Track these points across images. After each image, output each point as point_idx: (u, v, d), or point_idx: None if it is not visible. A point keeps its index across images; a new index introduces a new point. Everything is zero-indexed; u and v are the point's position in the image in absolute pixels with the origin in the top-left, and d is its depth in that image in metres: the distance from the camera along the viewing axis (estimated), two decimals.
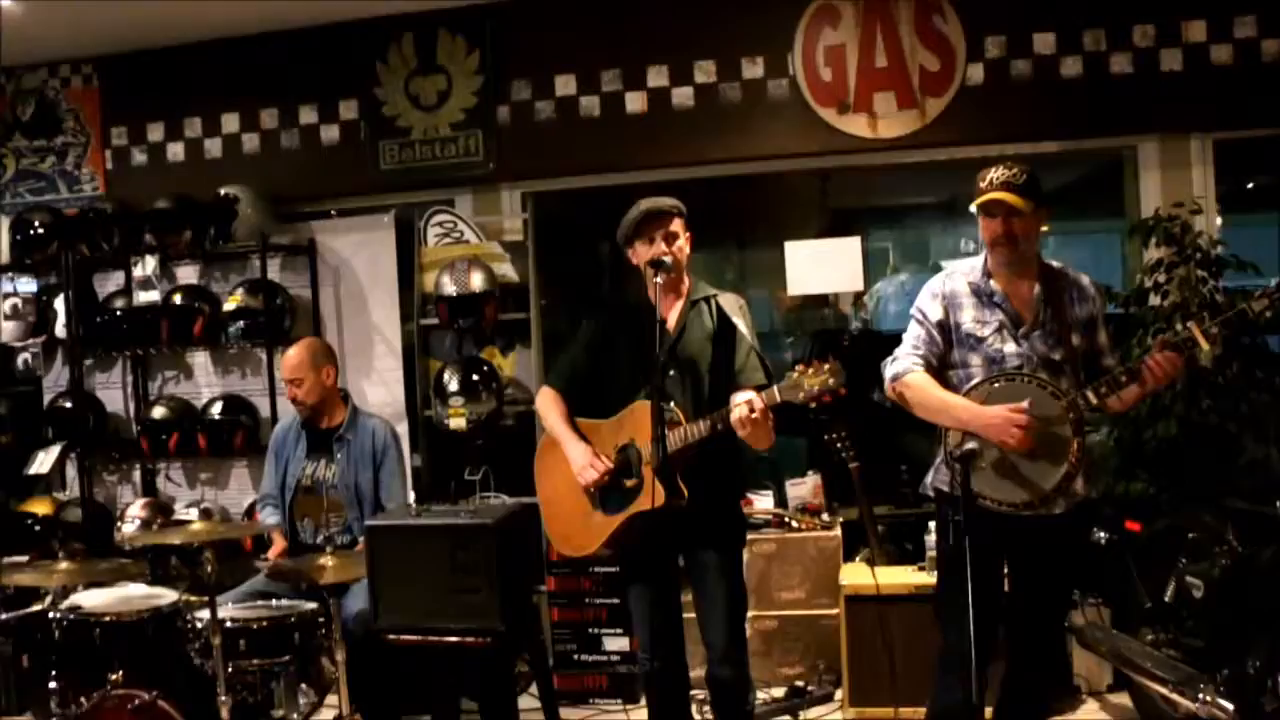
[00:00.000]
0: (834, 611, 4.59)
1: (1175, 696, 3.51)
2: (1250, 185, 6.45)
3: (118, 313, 5.52)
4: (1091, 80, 4.87)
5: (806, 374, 3.13)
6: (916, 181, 6.25)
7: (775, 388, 3.18)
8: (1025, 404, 3.05)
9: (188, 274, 5.66)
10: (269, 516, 4.41)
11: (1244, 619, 3.40)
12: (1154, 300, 4.59)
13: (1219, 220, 5.03)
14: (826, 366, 3.12)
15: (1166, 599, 3.81)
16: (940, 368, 3.28)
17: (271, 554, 4.18)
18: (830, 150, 5.18)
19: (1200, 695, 3.37)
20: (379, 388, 5.54)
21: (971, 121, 4.98)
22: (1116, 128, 5.00)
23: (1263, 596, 3.35)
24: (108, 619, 3.60)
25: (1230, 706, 3.29)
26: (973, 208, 3.20)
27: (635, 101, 5.27)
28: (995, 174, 3.15)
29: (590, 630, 4.90)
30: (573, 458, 3.48)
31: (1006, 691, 3.43)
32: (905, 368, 3.26)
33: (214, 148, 5.71)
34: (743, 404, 3.18)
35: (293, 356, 4.37)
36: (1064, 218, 6.33)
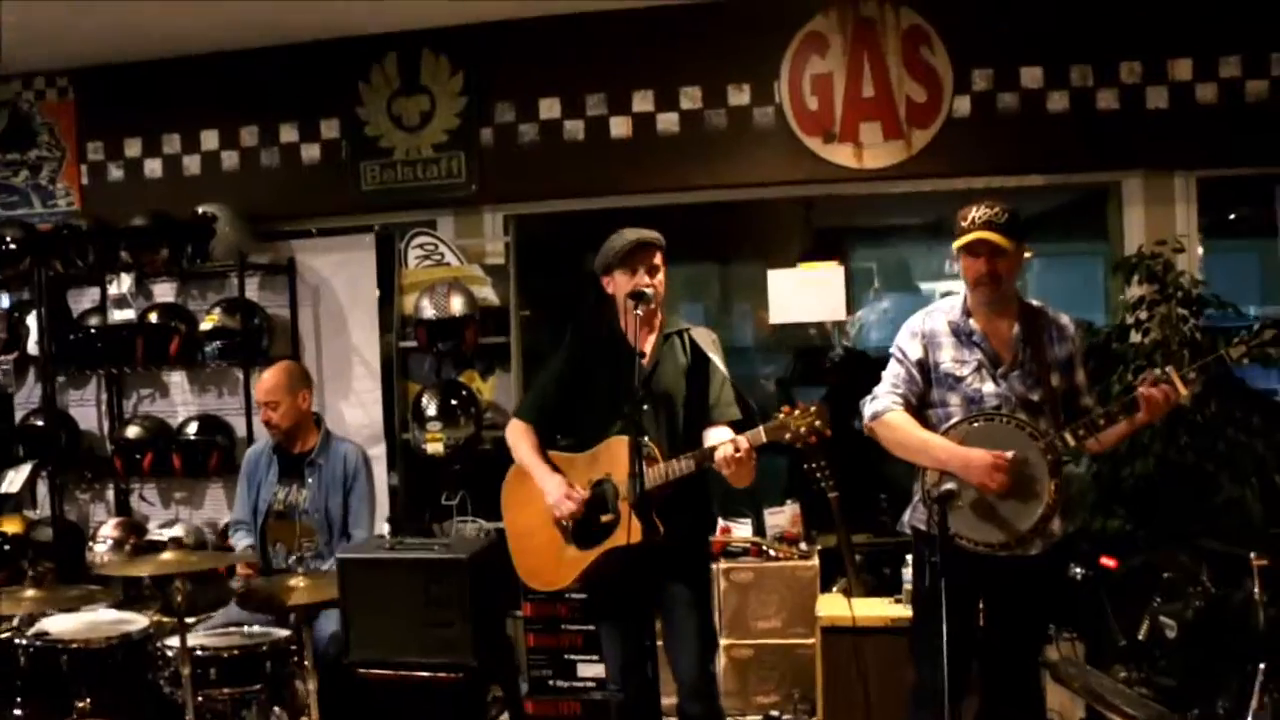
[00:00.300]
0: (810, 641, 4.57)
1: None
2: (1232, 216, 6.49)
3: (92, 330, 5.46)
4: (1078, 115, 4.89)
5: (793, 415, 3.18)
6: (902, 203, 6.26)
7: (761, 428, 3.21)
8: (1010, 454, 3.04)
9: (164, 292, 5.61)
10: (241, 540, 4.39)
11: (1215, 660, 3.42)
12: (1135, 337, 4.61)
13: (1200, 253, 5.06)
14: (813, 409, 3.17)
15: (1140, 637, 3.83)
16: (919, 407, 3.28)
17: (242, 571, 4.14)
18: (815, 179, 5.19)
19: None
20: (357, 409, 5.50)
21: (957, 153, 5.00)
22: (1101, 163, 5.03)
23: (1234, 639, 3.37)
24: (75, 646, 3.56)
25: None
26: (955, 247, 3.20)
27: (620, 126, 5.26)
28: (977, 213, 3.15)
29: (566, 656, 4.86)
30: (547, 490, 3.46)
31: None
32: (885, 406, 3.27)
33: (193, 164, 5.66)
34: (728, 443, 3.20)
35: (268, 379, 4.33)
36: (1048, 241, 6.35)
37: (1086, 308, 6.02)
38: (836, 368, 6.43)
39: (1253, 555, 3.26)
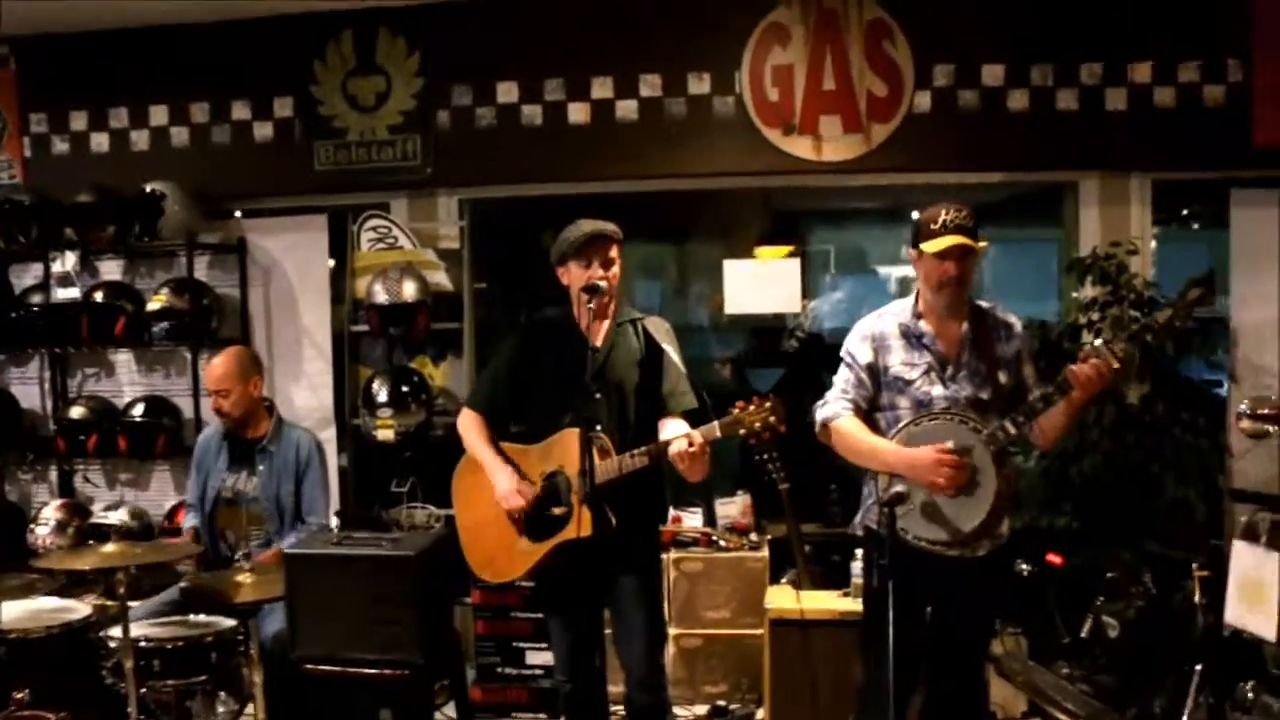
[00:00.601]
0: (759, 632, 4.59)
1: None
2: (1185, 212, 6.57)
3: (35, 308, 5.36)
4: (1037, 114, 4.92)
5: (748, 411, 3.18)
6: (860, 188, 6.28)
7: (716, 424, 3.22)
8: (949, 444, 3.07)
9: (111, 269, 5.50)
10: (189, 520, 4.33)
11: (1154, 661, 3.49)
12: (1086, 337, 4.66)
13: (1153, 254, 5.12)
14: (768, 404, 3.17)
15: (1083, 635, 3.90)
16: (869, 410, 3.30)
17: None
18: (774, 170, 5.16)
19: None
20: (307, 392, 5.43)
21: (917, 149, 5.00)
22: (1059, 162, 5.07)
23: (1172, 641, 3.43)
24: (13, 635, 3.49)
25: None
26: (929, 251, 3.17)
27: (578, 112, 5.21)
28: (947, 217, 3.15)
29: (514, 644, 4.85)
30: (497, 483, 3.46)
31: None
32: (834, 412, 3.28)
33: (141, 140, 5.54)
34: (682, 438, 3.19)
35: (219, 366, 4.25)
36: (1003, 228, 6.39)
37: (1040, 296, 6.08)
38: (793, 353, 6.44)
39: (1195, 565, 3.31)
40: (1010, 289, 6.89)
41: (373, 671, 2.90)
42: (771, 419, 3.17)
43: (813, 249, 6.99)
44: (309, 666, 2.96)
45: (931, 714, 3.45)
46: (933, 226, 3.16)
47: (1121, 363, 3.05)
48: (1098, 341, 3.09)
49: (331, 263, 5.44)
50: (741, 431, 3.20)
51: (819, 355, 6.04)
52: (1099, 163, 4.99)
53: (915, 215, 3.30)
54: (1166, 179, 5.06)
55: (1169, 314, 3.07)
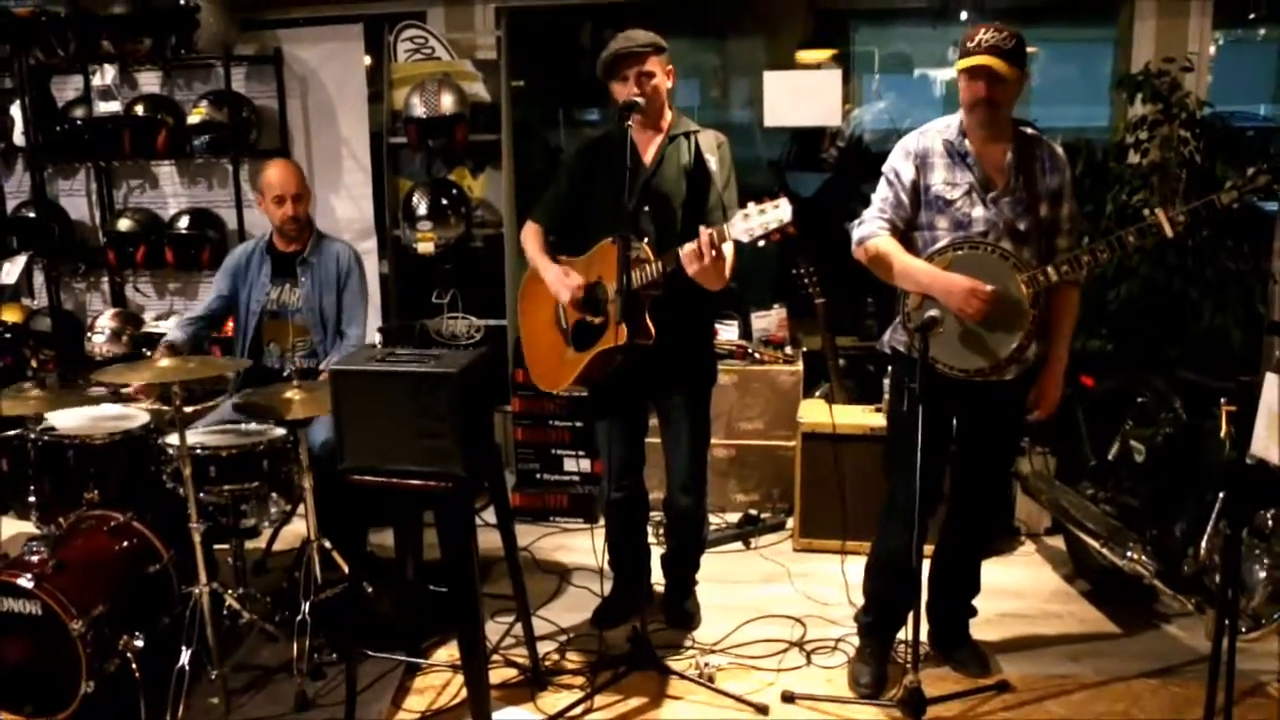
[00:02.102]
0: (791, 444, 4.73)
1: (1105, 550, 3.70)
2: (1251, 16, 6.27)
3: (78, 122, 5.38)
4: None
5: (755, 212, 3.09)
6: None
7: (726, 225, 3.15)
8: (989, 288, 3.07)
9: (149, 82, 5.48)
10: (175, 330, 4.31)
11: (1178, 486, 3.54)
12: (1133, 158, 4.55)
13: (1210, 71, 4.92)
14: (776, 204, 3.07)
15: (1110, 457, 3.96)
16: (906, 229, 3.28)
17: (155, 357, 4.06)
18: None
19: (1128, 552, 3.56)
20: (347, 203, 5.48)
21: None
22: None
23: (1198, 467, 3.47)
24: (79, 441, 3.66)
25: (1153, 565, 3.48)
26: (956, 68, 3.12)
27: None
28: (984, 35, 3.05)
29: (553, 451, 5.06)
30: (549, 281, 3.55)
31: (947, 532, 3.61)
32: (871, 231, 3.26)
33: None
34: (691, 242, 3.18)
35: (291, 171, 4.21)
36: (1057, 26, 6.14)
37: (1090, 101, 5.88)
38: (834, 161, 6.33)
39: (1223, 401, 3.33)
40: (1061, 95, 6.67)
41: (416, 483, 3.02)
42: (781, 219, 3.05)
43: (856, 50, 6.76)
44: (355, 477, 3.08)
45: (955, 527, 3.59)
46: (969, 44, 3.06)
47: (1177, 232, 3.01)
48: (1157, 209, 3.02)
49: (368, 60, 5.36)
50: (749, 234, 3.09)
51: (861, 164, 5.94)
52: None
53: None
54: None
55: (1233, 195, 2.99)
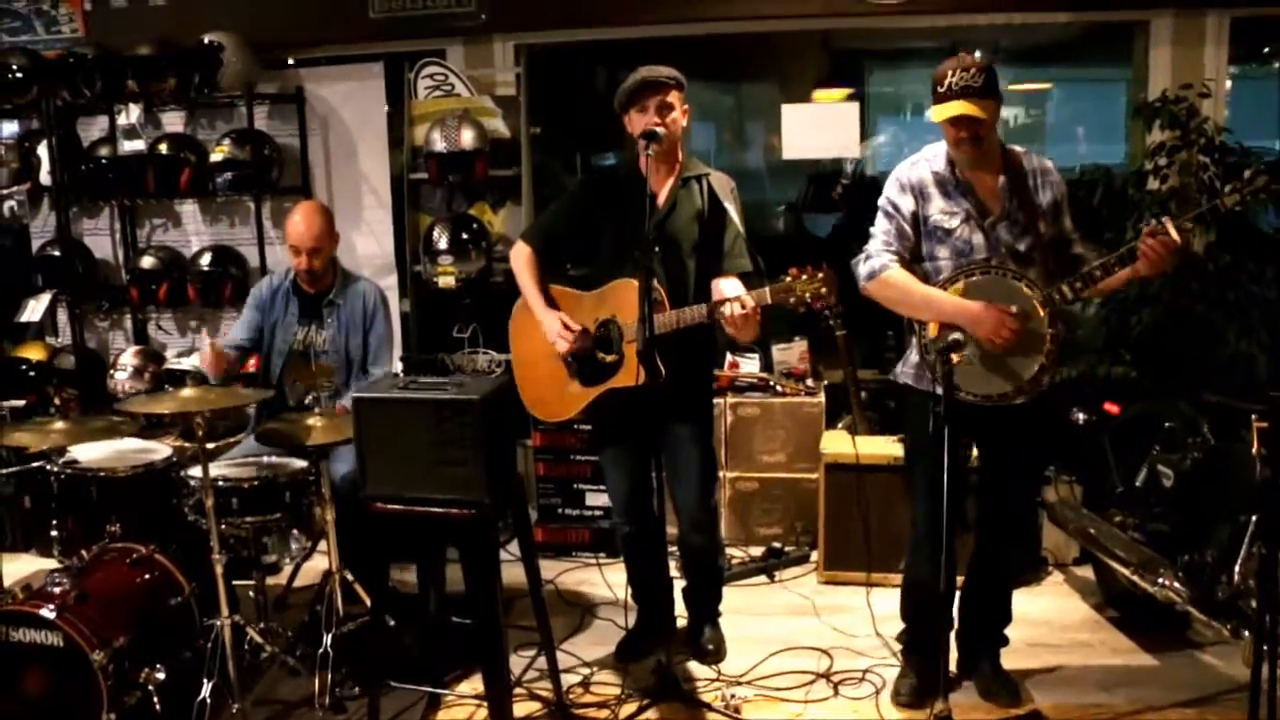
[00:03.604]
0: (814, 476, 4.69)
1: (1136, 578, 3.65)
2: (1266, 50, 6.27)
3: (103, 161, 5.42)
4: None
5: (800, 279, 3.19)
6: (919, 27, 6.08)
7: (766, 289, 3.23)
8: (1014, 309, 3.06)
9: (173, 121, 5.54)
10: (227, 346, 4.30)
11: (1208, 510, 3.49)
12: (1153, 184, 4.54)
13: (1226, 97, 4.91)
14: (820, 275, 3.17)
15: (1138, 484, 3.92)
16: (909, 260, 3.27)
17: (202, 363, 4.11)
18: (830, 12, 5.02)
19: (1160, 580, 3.50)
20: (368, 239, 5.51)
21: None
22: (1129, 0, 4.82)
23: (1228, 490, 3.42)
24: (103, 474, 3.67)
25: (1186, 592, 3.42)
26: (933, 117, 3.10)
27: None
28: (953, 79, 3.04)
29: (574, 486, 5.03)
30: (545, 326, 3.54)
31: (975, 561, 3.56)
32: (883, 264, 3.23)
33: None
34: (735, 301, 3.22)
35: (314, 223, 4.14)
36: (1069, 67, 6.16)
37: (1106, 138, 5.89)
38: (847, 195, 6.35)
39: (1254, 417, 3.29)
40: (1075, 132, 6.68)
41: (439, 511, 3.01)
42: (823, 290, 3.18)
43: (871, 91, 6.80)
44: (378, 506, 3.06)
45: (983, 555, 3.55)
46: (939, 89, 3.07)
47: (1185, 239, 2.99)
48: (1164, 216, 3.01)
49: (387, 108, 5.40)
50: (792, 300, 3.21)
51: (874, 201, 5.92)
52: None
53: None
54: (1247, 15, 4.80)
55: (1235, 197, 2.98)
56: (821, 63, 6.08)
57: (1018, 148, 3.26)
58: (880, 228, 3.29)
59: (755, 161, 6.72)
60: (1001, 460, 3.40)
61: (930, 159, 3.26)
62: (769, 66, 6.32)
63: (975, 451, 3.55)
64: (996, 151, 3.19)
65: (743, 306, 3.20)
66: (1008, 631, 3.62)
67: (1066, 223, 3.25)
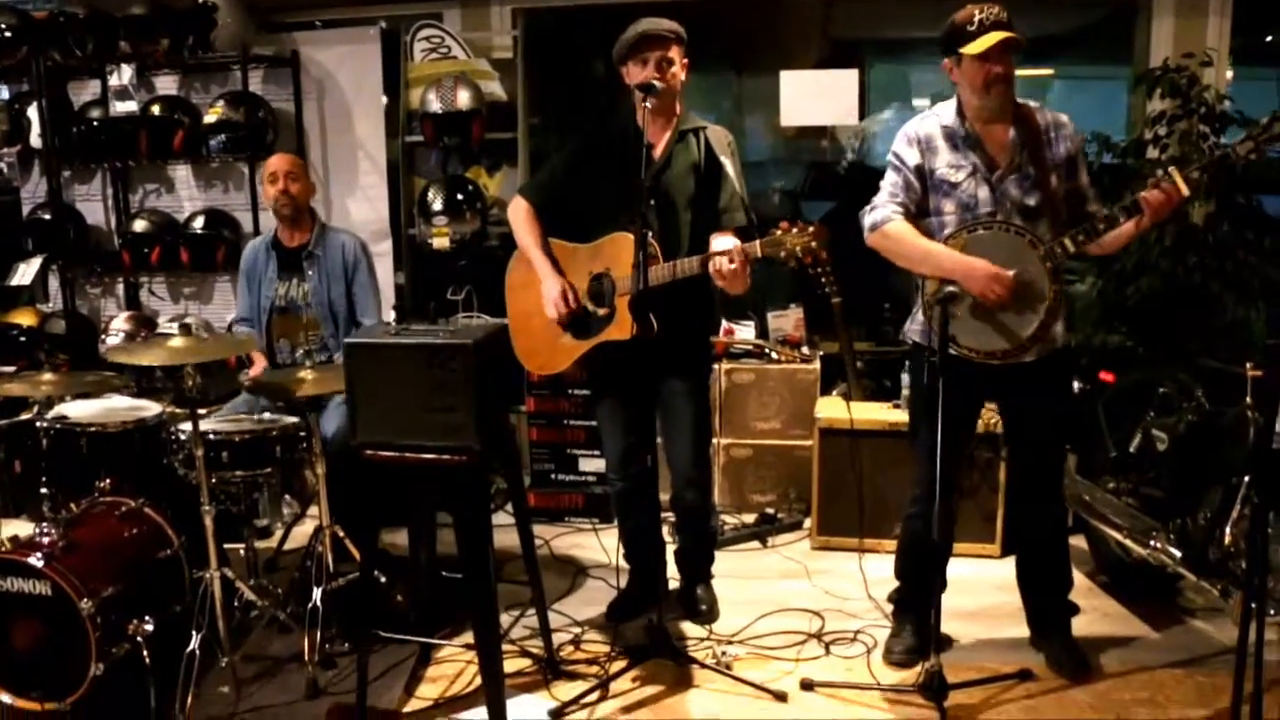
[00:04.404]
0: (808, 443, 4.68)
1: (1129, 542, 3.65)
2: (1269, 39, 6.25)
3: (95, 123, 5.38)
4: None
5: (790, 233, 3.16)
6: (920, 15, 6.06)
7: (757, 243, 3.20)
8: (1011, 273, 3.04)
9: (166, 84, 5.51)
10: (242, 329, 4.39)
11: (1201, 473, 3.48)
12: (1152, 153, 4.52)
13: (1229, 74, 4.89)
14: (811, 229, 3.14)
15: (1131, 449, 3.89)
16: (916, 214, 3.25)
17: (253, 373, 4.16)
18: None
19: (1152, 542, 3.49)
20: (363, 204, 5.48)
21: None
22: None
23: (1222, 453, 3.41)
24: (93, 429, 3.64)
25: (1178, 554, 3.41)
26: (971, 52, 3.04)
27: None
28: (982, 15, 3.03)
29: (568, 451, 5.02)
30: (545, 290, 3.52)
31: (1018, 528, 3.60)
32: (885, 216, 3.22)
33: None
34: (723, 255, 3.19)
35: (285, 155, 4.29)
36: (1069, 62, 6.14)
37: (1103, 132, 5.86)
38: (844, 180, 6.34)
39: (1248, 365, 3.28)
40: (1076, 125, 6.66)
41: (430, 457, 2.98)
42: (813, 244, 3.14)
43: (871, 79, 6.77)
44: (369, 454, 3.04)
45: (1025, 522, 3.56)
46: (970, 28, 3.04)
47: (1193, 190, 2.97)
48: (1171, 167, 2.98)
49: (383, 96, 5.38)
50: (782, 253, 3.18)
51: (871, 187, 5.92)
52: None
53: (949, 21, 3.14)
54: None
55: (1249, 146, 2.94)
56: (822, 53, 6.05)
57: (1031, 102, 3.24)
58: (887, 180, 3.28)
59: (756, 153, 6.70)
60: (1023, 421, 3.39)
61: (940, 114, 3.25)
62: (769, 58, 6.29)
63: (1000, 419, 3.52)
64: (1010, 104, 3.17)
65: (731, 261, 3.17)
66: (1076, 599, 3.56)
67: (1083, 178, 3.22)
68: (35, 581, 3.09)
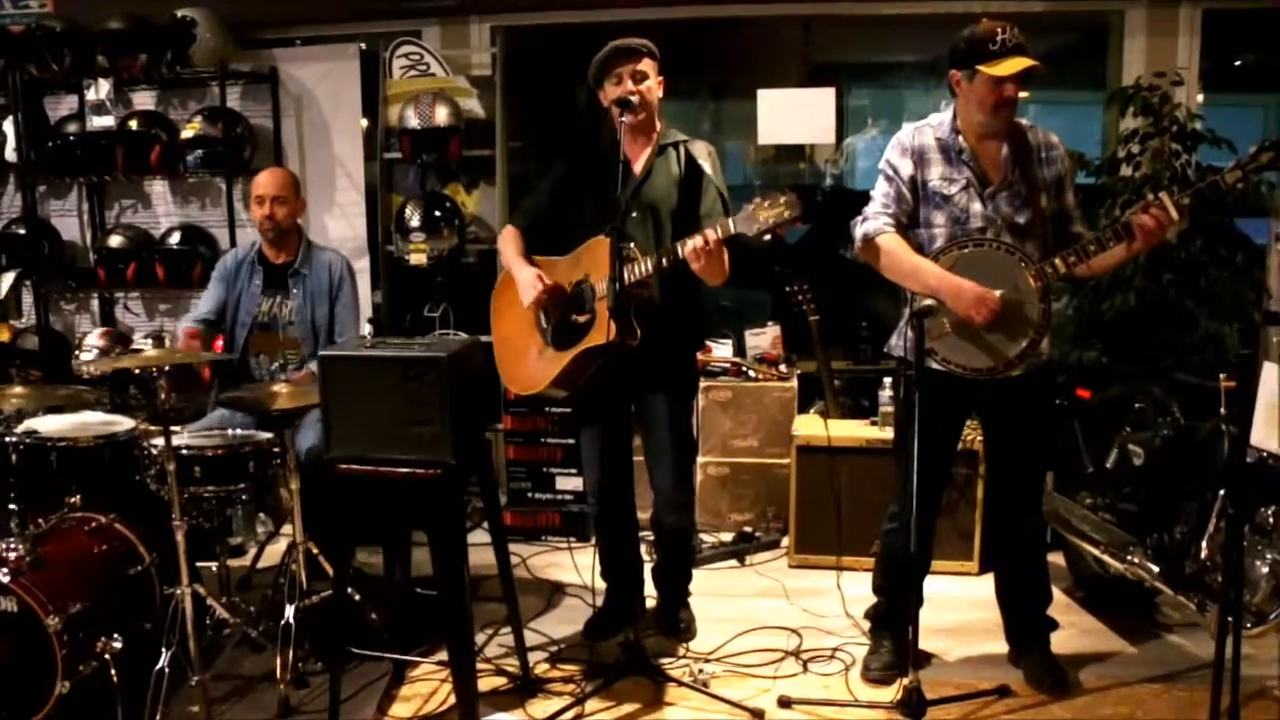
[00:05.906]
0: (785, 461, 4.68)
1: (1106, 557, 3.64)
2: (1238, 63, 6.32)
3: (71, 138, 5.34)
4: None
5: (762, 206, 3.05)
6: (899, 39, 6.11)
7: (730, 219, 3.13)
8: (998, 294, 3.04)
9: (144, 99, 5.47)
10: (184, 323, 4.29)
11: (1177, 487, 3.49)
12: (1125, 171, 4.56)
13: (1200, 96, 4.95)
14: (783, 199, 3.04)
15: (1108, 465, 3.90)
16: (907, 225, 3.26)
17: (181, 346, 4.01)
18: None
19: (1129, 557, 3.49)
20: (340, 221, 5.45)
21: None
22: None
23: (1197, 467, 3.42)
24: (63, 444, 3.59)
25: (1155, 569, 3.41)
26: (994, 73, 3.02)
27: None
28: (1004, 35, 3.03)
29: (545, 469, 5.00)
30: (519, 279, 3.50)
31: (997, 541, 3.59)
32: (877, 229, 3.22)
33: None
34: (697, 236, 3.16)
35: (277, 174, 4.21)
36: (1044, 85, 6.20)
37: (1076, 150, 5.90)
38: (823, 202, 6.36)
39: (1222, 376, 3.29)
40: None
41: (405, 471, 2.96)
42: (787, 214, 3.01)
43: (850, 104, 6.81)
44: (343, 466, 3.01)
45: (1004, 535, 3.54)
46: (992, 46, 3.03)
47: (1182, 215, 2.98)
48: (1162, 193, 3.00)
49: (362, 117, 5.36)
50: (755, 228, 3.06)
51: (849, 209, 5.95)
52: None
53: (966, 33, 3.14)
54: (1218, 8, 4.83)
55: (1237, 174, 2.95)
56: (801, 75, 6.09)
57: (1024, 121, 3.25)
58: (879, 190, 3.27)
59: (734, 177, 6.72)
60: (1006, 436, 3.39)
61: (935, 126, 3.25)
62: (747, 81, 6.33)
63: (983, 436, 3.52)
64: (1009, 123, 3.19)
65: (705, 241, 3.14)
66: (1056, 615, 3.56)
67: (1069, 198, 3.24)
68: (1, 598, 3.04)
